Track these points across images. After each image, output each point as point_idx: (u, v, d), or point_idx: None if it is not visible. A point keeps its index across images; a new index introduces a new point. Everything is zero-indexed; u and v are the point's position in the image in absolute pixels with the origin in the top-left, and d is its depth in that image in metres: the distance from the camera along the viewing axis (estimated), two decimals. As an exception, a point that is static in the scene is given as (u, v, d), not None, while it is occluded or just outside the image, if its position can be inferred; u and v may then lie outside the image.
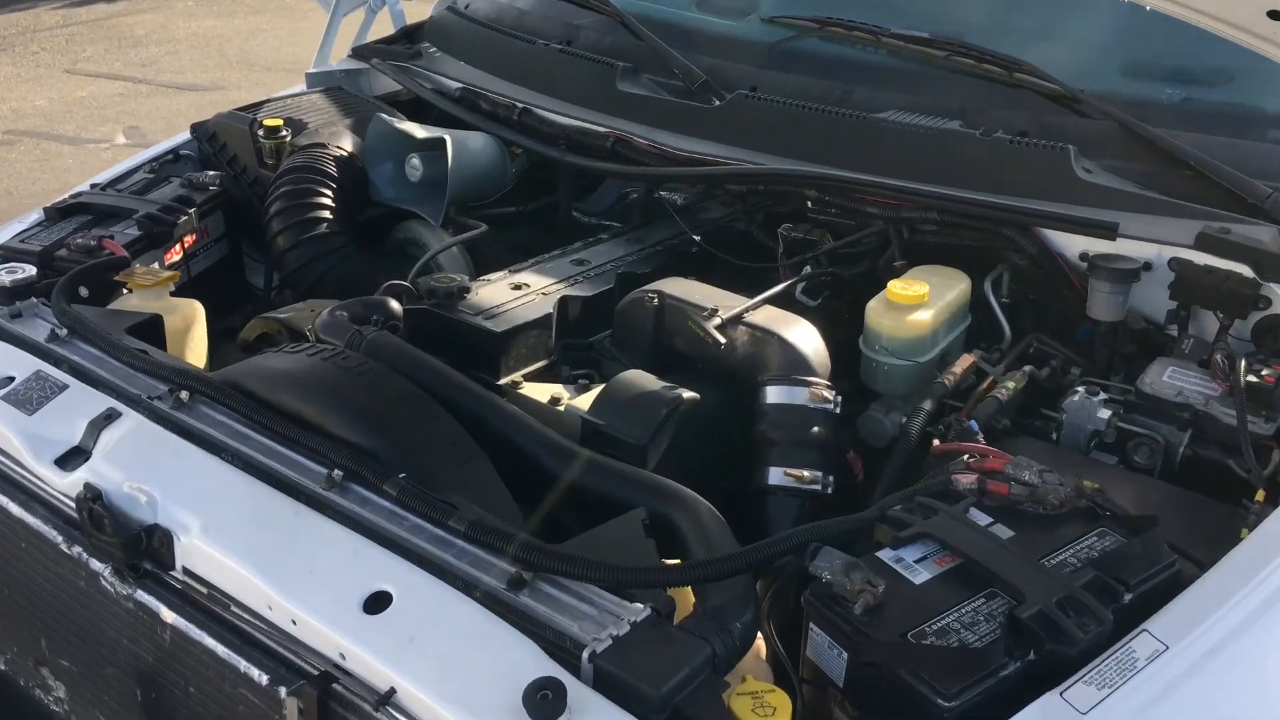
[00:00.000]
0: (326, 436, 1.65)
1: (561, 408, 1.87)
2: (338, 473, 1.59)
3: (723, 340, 1.86)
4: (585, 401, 1.86)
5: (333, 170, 2.51)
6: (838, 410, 1.86)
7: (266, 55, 8.88)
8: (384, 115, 2.60)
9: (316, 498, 1.58)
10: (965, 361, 1.95)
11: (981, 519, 1.52)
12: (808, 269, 2.31)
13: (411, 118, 2.80)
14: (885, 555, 1.46)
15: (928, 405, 1.86)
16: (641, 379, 1.86)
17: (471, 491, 1.61)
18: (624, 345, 2.06)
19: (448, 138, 2.47)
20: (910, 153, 2.23)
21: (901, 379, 1.97)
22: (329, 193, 2.47)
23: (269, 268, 2.66)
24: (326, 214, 2.45)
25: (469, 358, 1.98)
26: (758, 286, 2.43)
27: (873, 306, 1.98)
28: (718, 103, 2.47)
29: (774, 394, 1.86)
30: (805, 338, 1.90)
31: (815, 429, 1.84)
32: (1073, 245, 2.07)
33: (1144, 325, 2.03)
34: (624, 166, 2.45)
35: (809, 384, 1.85)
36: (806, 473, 1.82)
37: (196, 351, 2.24)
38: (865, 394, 2.04)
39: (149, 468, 1.65)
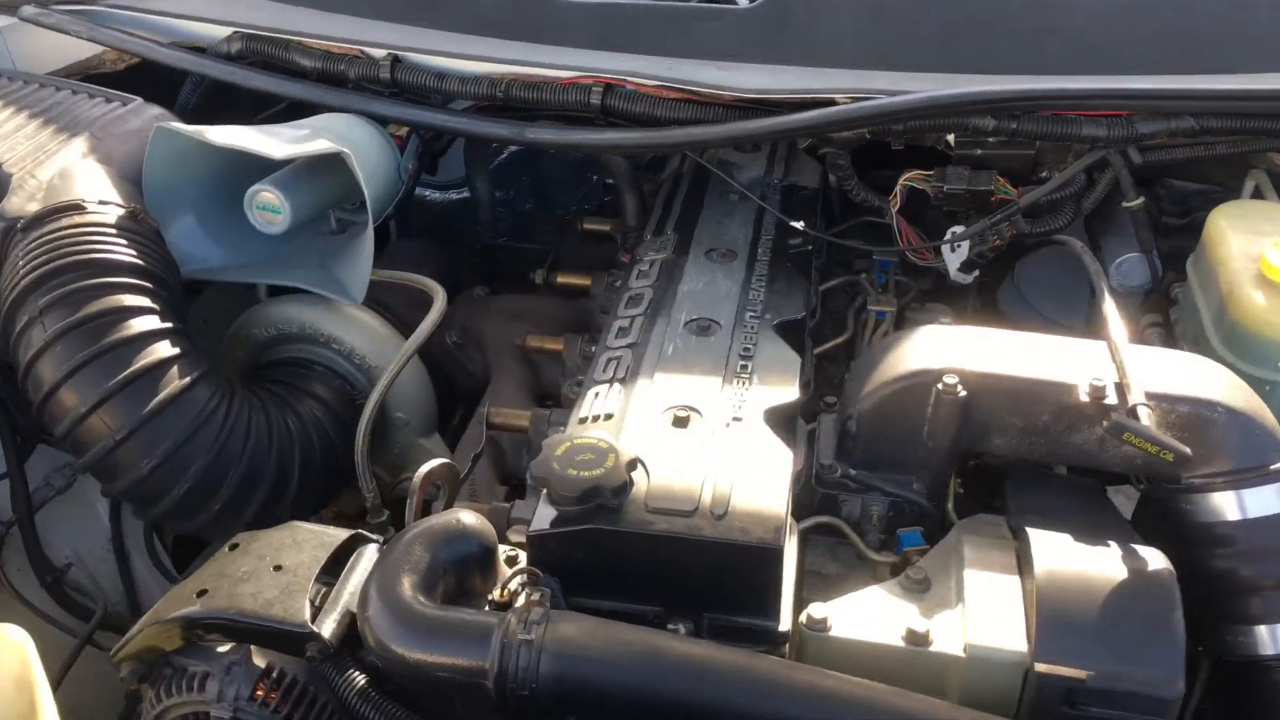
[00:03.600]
0: None
1: (954, 651, 1.00)
2: None
3: (1189, 451, 1.05)
4: (985, 627, 1.00)
5: (128, 252, 1.29)
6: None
7: None
8: (171, 124, 1.39)
9: None
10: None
11: None
12: (960, 240, 1.53)
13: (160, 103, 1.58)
14: None
15: None
16: (1078, 558, 1.01)
17: None
18: (882, 463, 1.19)
19: (342, 148, 1.34)
20: (1096, 35, 1.47)
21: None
22: (148, 300, 1.27)
23: (10, 445, 1.42)
24: (166, 346, 1.25)
25: (699, 598, 1.03)
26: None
27: (1253, 299, 1.24)
28: (745, 2, 1.54)
29: (1231, 504, 1.10)
30: (1244, 395, 1.14)
31: (1319, 544, 1.12)
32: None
33: None
34: (653, 134, 1.46)
35: (1288, 473, 1.11)
36: (1350, 625, 1.10)
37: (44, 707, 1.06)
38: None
39: None
